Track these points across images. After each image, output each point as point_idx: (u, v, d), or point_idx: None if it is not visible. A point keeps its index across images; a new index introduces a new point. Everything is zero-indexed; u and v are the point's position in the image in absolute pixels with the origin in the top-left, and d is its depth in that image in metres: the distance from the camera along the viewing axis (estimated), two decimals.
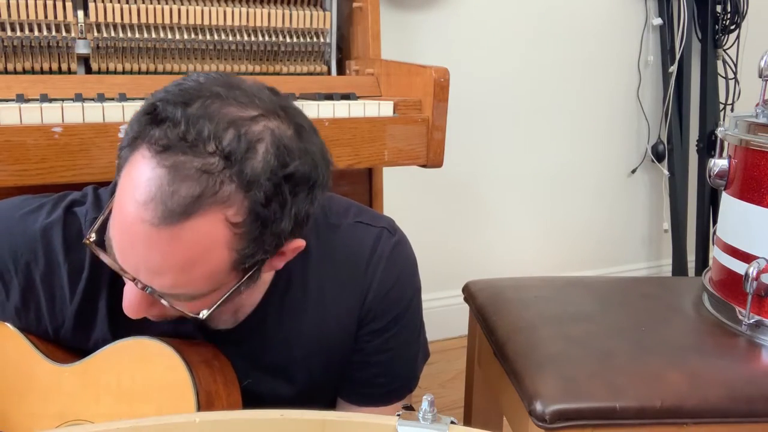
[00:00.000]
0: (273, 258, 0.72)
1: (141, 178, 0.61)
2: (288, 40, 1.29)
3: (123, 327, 0.78)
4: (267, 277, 0.80)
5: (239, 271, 0.68)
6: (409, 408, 0.60)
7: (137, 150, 0.62)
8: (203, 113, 0.61)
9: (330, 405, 0.91)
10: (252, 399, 0.82)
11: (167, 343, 0.74)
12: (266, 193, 0.62)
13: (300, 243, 0.72)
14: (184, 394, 0.72)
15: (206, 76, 0.67)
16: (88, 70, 1.18)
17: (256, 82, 0.69)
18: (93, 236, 0.68)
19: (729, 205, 1.07)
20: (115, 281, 0.76)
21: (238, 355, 0.81)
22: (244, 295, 0.75)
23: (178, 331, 0.80)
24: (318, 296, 0.83)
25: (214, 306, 0.69)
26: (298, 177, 0.65)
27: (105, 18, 1.15)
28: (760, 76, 1.02)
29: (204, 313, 0.69)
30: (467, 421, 1.29)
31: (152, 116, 0.62)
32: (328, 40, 1.33)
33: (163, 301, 0.67)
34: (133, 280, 0.66)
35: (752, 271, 0.97)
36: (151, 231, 0.61)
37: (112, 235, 0.66)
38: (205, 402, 0.73)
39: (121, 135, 0.85)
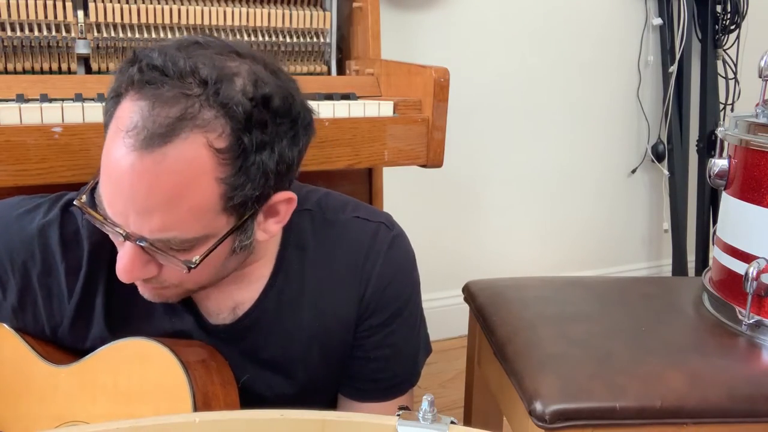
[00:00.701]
0: (266, 215, 0.72)
1: (125, 113, 0.63)
2: (288, 40, 1.29)
3: (120, 324, 0.78)
4: (265, 270, 0.81)
5: (229, 213, 0.67)
6: (405, 410, 0.60)
7: (121, 99, 0.64)
8: (181, 53, 0.64)
9: (331, 403, 0.90)
10: (251, 398, 0.82)
11: (163, 344, 0.74)
12: (246, 114, 0.64)
13: (290, 195, 0.72)
14: (181, 395, 0.72)
15: (187, 35, 0.69)
16: (88, 70, 1.17)
17: None
18: (84, 198, 0.69)
19: (729, 205, 1.07)
20: (111, 276, 0.76)
21: (237, 351, 0.81)
22: (241, 272, 0.74)
23: (175, 328, 0.80)
24: (316, 292, 0.82)
25: (206, 253, 0.68)
26: (277, 105, 0.66)
27: (105, 18, 1.14)
28: (760, 76, 1.02)
29: (196, 259, 0.68)
30: (467, 421, 1.29)
31: (133, 61, 0.65)
32: (328, 40, 1.33)
33: (158, 256, 0.67)
34: (124, 234, 0.65)
35: (752, 271, 0.97)
36: (135, 160, 0.62)
37: (101, 188, 0.66)
38: (201, 403, 0.73)
39: None
